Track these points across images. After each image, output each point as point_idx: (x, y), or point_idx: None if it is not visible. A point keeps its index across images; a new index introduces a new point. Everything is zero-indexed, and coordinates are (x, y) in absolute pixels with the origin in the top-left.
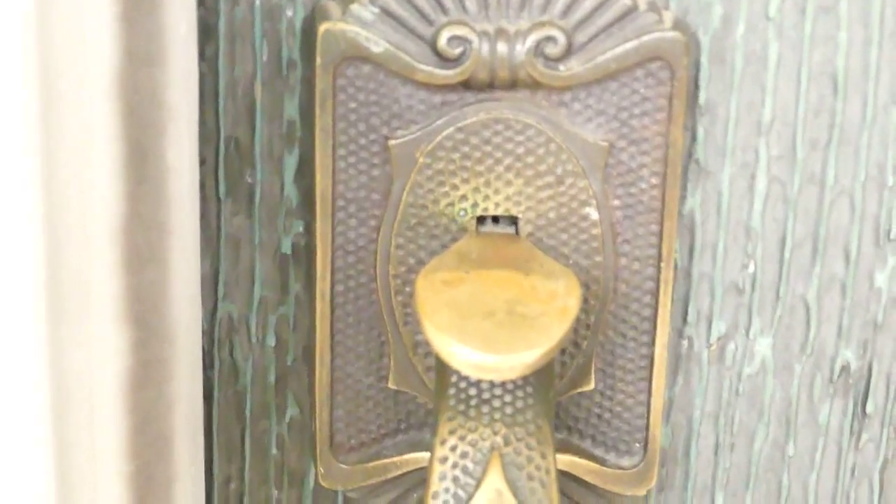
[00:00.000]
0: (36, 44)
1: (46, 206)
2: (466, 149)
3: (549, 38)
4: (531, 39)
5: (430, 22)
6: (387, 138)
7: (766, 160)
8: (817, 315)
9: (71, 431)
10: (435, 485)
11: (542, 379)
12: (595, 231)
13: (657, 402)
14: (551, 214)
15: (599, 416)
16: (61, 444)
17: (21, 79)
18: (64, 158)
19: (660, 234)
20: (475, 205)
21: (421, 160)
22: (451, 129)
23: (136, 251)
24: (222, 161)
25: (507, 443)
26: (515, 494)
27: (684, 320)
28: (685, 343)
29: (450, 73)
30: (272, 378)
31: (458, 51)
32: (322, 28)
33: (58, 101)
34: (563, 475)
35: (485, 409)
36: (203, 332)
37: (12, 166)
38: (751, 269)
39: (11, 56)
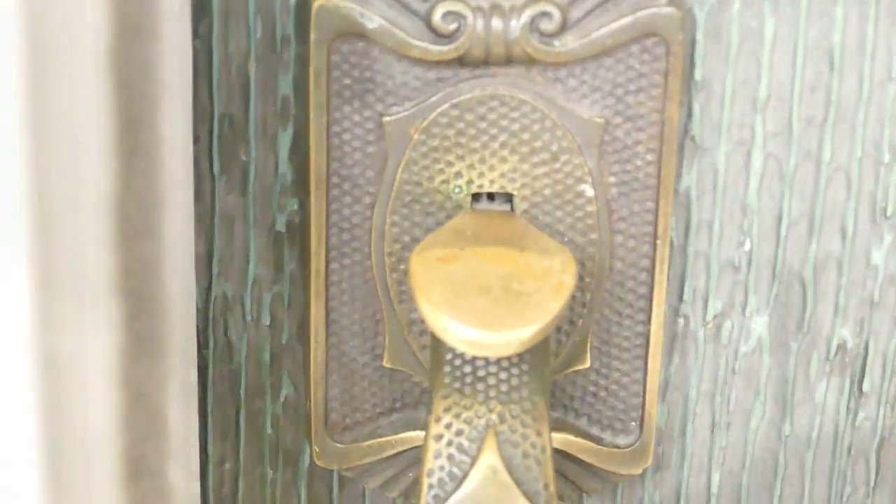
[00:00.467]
0: (25, 15)
1: (37, 178)
2: (461, 125)
3: (545, 14)
4: (526, 15)
5: None
6: (381, 115)
7: (762, 137)
8: (814, 293)
9: (63, 406)
10: (430, 462)
11: (538, 356)
12: (590, 208)
13: (653, 381)
14: (546, 191)
15: (595, 395)
16: (52, 418)
17: (9, 50)
18: (55, 130)
19: (655, 212)
20: (470, 182)
21: (416, 137)
22: (445, 106)
23: (129, 224)
24: (216, 139)
25: (502, 420)
26: (511, 472)
27: (680, 298)
28: (681, 321)
29: (444, 49)
30: (267, 357)
31: (452, 27)
32: (316, 4)
33: (48, 73)
34: (559, 454)
35: (480, 386)
36: (197, 311)
37: (1, 139)
38: (747, 246)
39: (1, 27)
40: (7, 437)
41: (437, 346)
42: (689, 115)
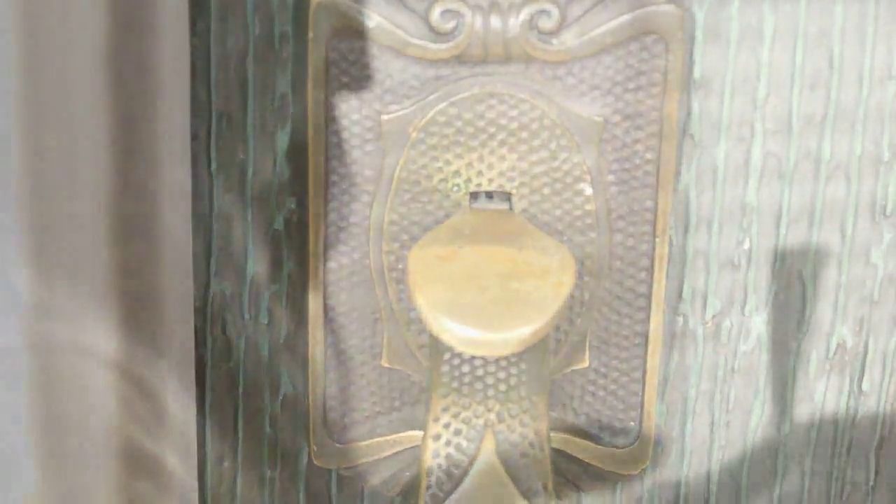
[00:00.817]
0: (22, 11)
1: (34, 175)
2: (459, 123)
3: (543, 12)
4: (525, 13)
5: None
6: (379, 113)
7: (761, 135)
8: (813, 292)
9: (61, 406)
10: (429, 462)
11: (537, 355)
12: (589, 207)
13: (652, 380)
14: (545, 190)
15: (594, 394)
16: (50, 418)
17: (6, 47)
18: (52, 127)
19: (654, 210)
20: (468, 180)
21: (414, 135)
22: (444, 104)
23: (126, 222)
24: (214, 137)
25: (500, 420)
26: (509, 471)
27: (679, 297)
28: (680, 320)
29: (443, 47)
30: (265, 356)
31: (451, 25)
32: (314, 1)
33: (45, 71)
34: (557, 453)
35: (478, 385)
36: (195, 310)
37: None
38: (746, 245)
39: None
40: (7, 433)
41: (436, 345)
42: (689, 112)
